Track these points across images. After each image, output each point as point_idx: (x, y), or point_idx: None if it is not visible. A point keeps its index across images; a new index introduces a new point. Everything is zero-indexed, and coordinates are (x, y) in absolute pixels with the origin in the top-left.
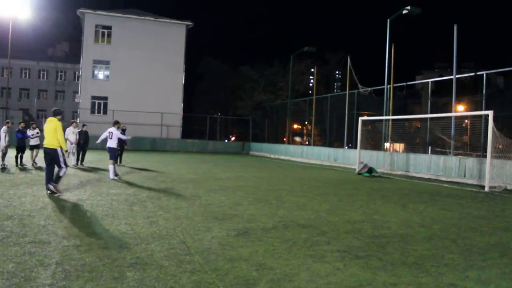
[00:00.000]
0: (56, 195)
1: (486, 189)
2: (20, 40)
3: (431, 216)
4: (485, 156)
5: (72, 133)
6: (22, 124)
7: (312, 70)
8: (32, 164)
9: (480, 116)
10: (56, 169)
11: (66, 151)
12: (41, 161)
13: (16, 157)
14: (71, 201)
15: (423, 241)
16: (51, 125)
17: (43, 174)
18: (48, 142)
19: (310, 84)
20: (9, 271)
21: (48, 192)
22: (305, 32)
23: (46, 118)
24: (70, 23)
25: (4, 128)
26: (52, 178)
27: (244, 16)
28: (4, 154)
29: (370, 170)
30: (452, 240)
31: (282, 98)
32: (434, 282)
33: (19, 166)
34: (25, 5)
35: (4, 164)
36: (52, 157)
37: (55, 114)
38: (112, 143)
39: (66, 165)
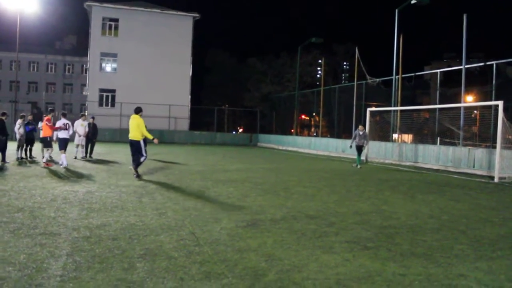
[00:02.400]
0: (136, 177)
1: (496, 180)
2: (28, 34)
3: (440, 207)
4: (494, 147)
5: (80, 126)
6: (30, 117)
7: (320, 61)
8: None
9: (490, 106)
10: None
11: (153, 138)
12: (55, 155)
13: (25, 149)
14: (81, 193)
15: (432, 232)
16: (135, 121)
17: (54, 167)
18: (133, 135)
19: (318, 75)
20: (21, 262)
21: (134, 175)
22: (313, 23)
23: (54, 110)
24: (78, 16)
25: (19, 121)
26: (137, 164)
27: (251, 8)
28: (19, 146)
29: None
30: (462, 231)
31: (290, 89)
32: (443, 273)
33: (28, 158)
34: None
35: (20, 157)
36: (136, 147)
37: (136, 112)
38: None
39: (147, 153)
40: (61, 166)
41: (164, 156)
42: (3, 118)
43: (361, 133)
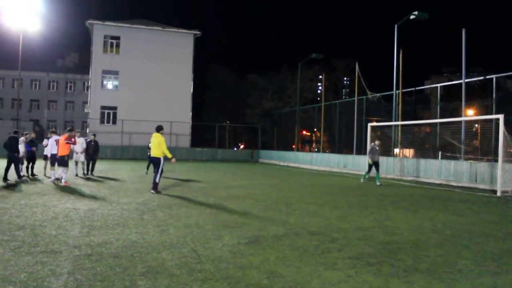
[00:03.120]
0: (154, 193)
1: (498, 193)
2: (30, 52)
3: (442, 221)
4: (496, 161)
5: (77, 143)
6: (33, 135)
7: (320, 77)
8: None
9: (490, 120)
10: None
11: (172, 157)
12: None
13: (27, 167)
14: (82, 210)
15: (435, 247)
16: (157, 139)
17: (55, 183)
18: (154, 153)
19: (319, 91)
20: (22, 281)
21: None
22: (313, 39)
23: (56, 128)
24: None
25: (22, 138)
26: (153, 182)
27: (250, 24)
28: (21, 164)
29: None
30: (465, 246)
31: (291, 105)
32: None
33: (30, 176)
34: (35, 18)
35: (23, 175)
36: (157, 164)
37: (158, 130)
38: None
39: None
40: (50, 181)
41: (166, 173)
42: (16, 135)
43: (377, 148)
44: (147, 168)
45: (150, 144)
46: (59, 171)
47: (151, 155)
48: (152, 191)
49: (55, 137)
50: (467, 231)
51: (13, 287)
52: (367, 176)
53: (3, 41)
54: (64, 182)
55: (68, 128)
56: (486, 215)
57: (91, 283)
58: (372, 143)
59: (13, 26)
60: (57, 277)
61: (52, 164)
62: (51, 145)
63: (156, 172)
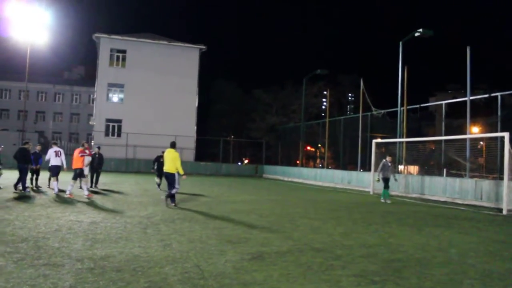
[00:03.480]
0: (171, 206)
1: (504, 212)
2: (37, 64)
3: (448, 240)
4: (502, 178)
5: None
6: (38, 147)
7: (325, 92)
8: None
9: (496, 137)
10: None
11: (183, 174)
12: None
13: (31, 179)
14: (85, 223)
15: (441, 266)
16: (171, 155)
17: (59, 196)
18: (168, 168)
19: (323, 107)
20: None
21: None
22: (318, 54)
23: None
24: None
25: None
26: (169, 195)
27: (256, 40)
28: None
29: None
30: (471, 264)
31: (295, 120)
32: None
33: (34, 188)
34: (43, 30)
35: (27, 187)
36: (171, 179)
37: (173, 146)
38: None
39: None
40: (54, 193)
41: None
42: (26, 146)
43: (389, 164)
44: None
45: (161, 159)
46: (70, 182)
47: (165, 170)
48: (171, 204)
49: (55, 148)
50: (472, 250)
51: None
52: (386, 192)
53: (11, 53)
54: (69, 194)
55: (82, 142)
56: (492, 234)
57: None
58: (384, 160)
59: (21, 39)
60: None
61: (53, 176)
62: (50, 156)
63: (172, 186)
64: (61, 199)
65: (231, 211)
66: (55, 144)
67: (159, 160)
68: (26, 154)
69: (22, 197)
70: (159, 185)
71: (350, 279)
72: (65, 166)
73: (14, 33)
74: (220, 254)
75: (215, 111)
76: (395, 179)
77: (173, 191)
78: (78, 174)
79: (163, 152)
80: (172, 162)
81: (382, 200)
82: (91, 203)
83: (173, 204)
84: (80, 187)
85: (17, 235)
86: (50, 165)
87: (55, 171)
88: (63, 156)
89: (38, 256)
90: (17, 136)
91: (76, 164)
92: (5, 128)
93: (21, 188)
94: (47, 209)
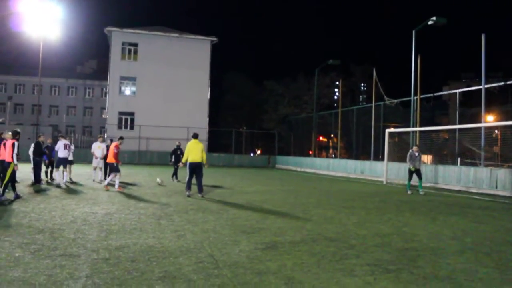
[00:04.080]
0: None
1: None
2: (50, 59)
3: (462, 228)
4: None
5: (98, 148)
6: (49, 140)
7: (337, 83)
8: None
9: (511, 126)
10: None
11: (206, 164)
12: (75, 177)
13: (46, 172)
14: (100, 214)
15: (455, 255)
16: (199, 145)
17: (73, 188)
18: (195, 158)
19: (335, 97)
20: (41, 284)
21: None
22: (330, 44)
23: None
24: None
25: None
26: (200, 187)
27: (267, 31)
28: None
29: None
30: (486, 253)
31: (307, 111)
32: None
33: (49, 180)
34: (55, 25)
35: (41, 179)
36: (200, 169)
37: (196, 137)
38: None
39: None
40: (55, 183)
41: (182, 178)
42: (40, 140)
43: (416, 154)
44: (176, 175)
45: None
46: (110, 176)
47: (192, 161)
48: (200, 194)
49: (63, 141)
50: (488, 238)
51: None
52: (410, 186)
53: (24, 49)
54: (118, 188)
55: (119, 136)
56: (508, 223)
57: (109, 287)
58: (410, 150)
59: (34, 34)
60: (76, 281)
61: (57, 166)
62: (59, 148)
63: (201, 176)
64: (70, 190)
65: (244, 201)
66: (63, 137)
67: (177, 153)
68: (40, 147)
69: (38, 190)
70: (175, 175)
71: (364, 268)
72: (71, 158)
73: (26, 28)
74: (234, 244)
75: (227, 102)
76: (410, 170)
77: (202, 181)
78: (115, 168)
79: (177, 145)
80: (199, 152)
81: (422, 193)
82: (106, 196)
83: (202, 195)
84: (103, 179)
85: (34, 227)
86: (58, 157)
87: (60, 163)
88: (71, 149)
89: (54, 247)
90: (31, 130)
91: (110, 159)
92: (20, 123)
93: (34, 180)
94: (62, 201)
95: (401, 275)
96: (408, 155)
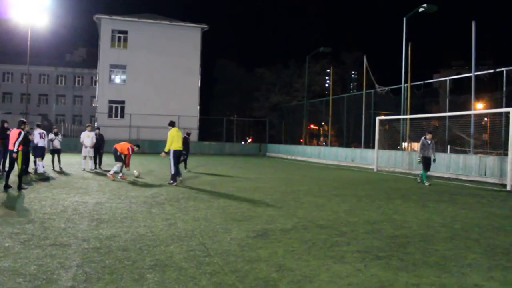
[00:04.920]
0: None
1: (508, 188)
2: (39, 47)
3: (452, 215)
4: (506, 154)
5: (87, 137)
6: (27, 128)
7: (328, 70)
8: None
9: (500, 113)
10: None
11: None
12: (65, 166)
13: (34, 162)
14: (90, 204)
15: (445, 241)
16: (179, 133)
17: (64, 178)
18: (179, 146)
19: (326, 85)
20: (31, 273)
21: (173, 183)
22: (320, 32)
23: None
24: (87, 28)
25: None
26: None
27: (258, 18)
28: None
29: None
30: (475, 239)
31: (298, 99)
32: (457, 283)
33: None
34: (43, 12)
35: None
36: (182, 156)
37: (174, 124)
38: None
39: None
40: (38, 172)
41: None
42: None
43: (429, 142)
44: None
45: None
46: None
47: (177, 148)
48: (173, 182)
49: (39, 130)
50: (476, 225)
51: (23, 279)
52: (426, 175)
53: (11, 36)
54: (110, 175)
55: (136, 144)
56: (496, 209)
57: (100, 276)
58: (423, 137)
59: (21, 21)
60: (66, 270)
61: (36, 156)
62: (35, 137)
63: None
64: (60, 180)
65: (235, 189)
66: (39, 126)
67: (187, 142)
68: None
69: (28, 180)
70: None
71: (355, 255)
72: (59, 147)
73: (14, 15)
74: (225, 232)
75: (218, 90)
76: (433, 160)
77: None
78: (120, 158)
79: (188, 133)
80: (181, 140)
81: (419, 180)
82: (96, 185)
83: (174, 182)
84: (93, 168)
85: (23, 217)
86: (36, 146)
87: (39, 152)
88: (47, 138)
89: (44, 237)
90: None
91: (124, 150)
92: (9, 112)
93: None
94: (52, 190)
95: (391, 261)
96: (420, 143)
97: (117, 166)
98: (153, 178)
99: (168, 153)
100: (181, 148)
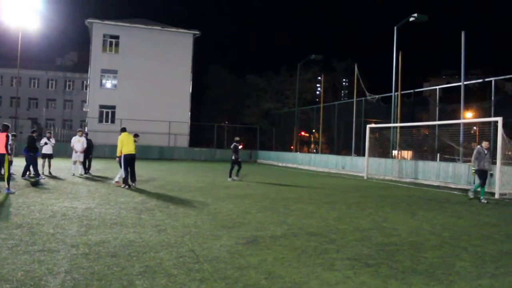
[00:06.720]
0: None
1: (496, 196)
2: (29, 50)
3: (441, 223)
4: (494, 163)
5: (77, 142)
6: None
7: (319, 78)
8: (50, 173)
9: (489, 122)
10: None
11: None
12: (55, 171)
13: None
14: (80, 209)
15: (434, 249)
16: (130, 138)
17: (53, 183)
18: (130, 150)
19: (317, 92)
20: (18, 280)
21: (125, 186)
22: (312, 40)
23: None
24: (78, 33)
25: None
26: (134, 176)
27: (250, 25)
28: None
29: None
30: (463, 247)
31: (289, 106)
32: None
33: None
34: (34, 16)
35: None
36: (133, 160)
37: (125, 130)
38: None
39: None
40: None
41: (164, 172)
42: (34, 135)
43: (485, 151)
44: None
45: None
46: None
47: (128, 153)
48: (133, 184)
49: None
50: (465, 233)
51: (10, 285)
52: (482, 190)
53: (2, 39)
54: (116, 182)
55: (134, 134)
56: (485, 218)
57: (89, 282)
58: (479, 146)
59: (12, 24)
60: (54, 276)
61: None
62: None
63: (134, 166)
64: (49, 185)
65: (225, 196)
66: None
67: (237, 148)
68: (32, 142)
69: (16, 185)
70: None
71: (344, 262)
72: (50, 152)
73: (4, 18)
74: (215, 239)
75: (209, 96)
76: (491, 174)
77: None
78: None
79: (238, 142)
80: (133, 144)
81: (471, 197)
82: (85, 190)
83: (134, 184)
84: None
85: (12, 222)
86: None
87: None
88: (52, 143)
89: (32, 242)
90: (10, 123)
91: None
92: None
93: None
94: (42, 195)
95: (381, 269)
96: (474, 152)
97: (120, 172)
98: (143, 184)
99: (120, 157)
100: (132, 152)
